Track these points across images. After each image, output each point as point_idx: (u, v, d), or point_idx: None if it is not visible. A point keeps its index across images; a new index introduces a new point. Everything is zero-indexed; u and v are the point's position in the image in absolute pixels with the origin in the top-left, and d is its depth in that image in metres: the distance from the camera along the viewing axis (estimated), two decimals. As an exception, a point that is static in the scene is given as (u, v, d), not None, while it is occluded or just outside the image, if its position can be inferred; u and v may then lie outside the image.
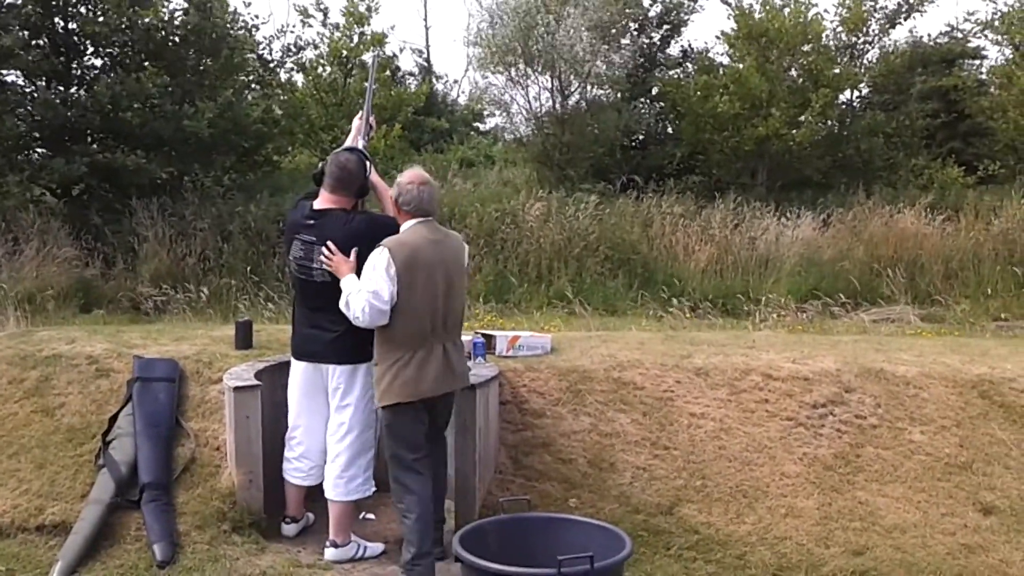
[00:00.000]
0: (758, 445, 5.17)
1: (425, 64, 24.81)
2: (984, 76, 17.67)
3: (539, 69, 15.97)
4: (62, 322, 8.91)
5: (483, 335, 5.93)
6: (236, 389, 4.68)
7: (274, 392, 4.86)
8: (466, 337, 5.76)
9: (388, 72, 17.65)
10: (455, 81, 26.11)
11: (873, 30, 16.50)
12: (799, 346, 6.30)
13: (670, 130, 17.90)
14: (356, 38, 15.33)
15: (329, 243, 4.27)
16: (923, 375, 5.63)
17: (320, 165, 4.59)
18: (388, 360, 4.08)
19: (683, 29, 17.99)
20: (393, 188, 4.26)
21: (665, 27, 17.82)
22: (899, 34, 16.90)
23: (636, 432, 5.28)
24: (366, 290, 4.00)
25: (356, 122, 4.93)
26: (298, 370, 4.62)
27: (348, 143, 4.84)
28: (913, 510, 4.78)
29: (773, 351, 6.05)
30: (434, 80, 23.33)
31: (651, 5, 17.61)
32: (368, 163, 4.58)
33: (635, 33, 17.21)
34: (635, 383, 5.56)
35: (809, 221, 13.13)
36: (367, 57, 6.34)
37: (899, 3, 16.16)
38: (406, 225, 4.18)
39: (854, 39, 16.52)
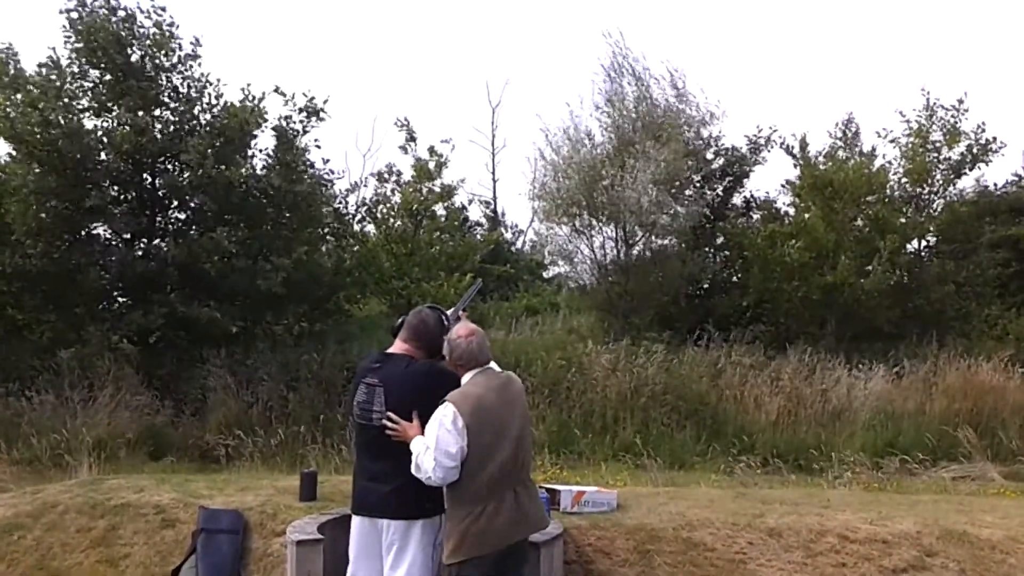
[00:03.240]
0: (837, 614, 4.92)
1: (492, 214, 25.50)
2: (1055, 226, 17.44)
3: (603, 220, 16.24)
4: (132, 469, 9.04)
5: (547, 489, 5.84)
6: (299, 543, 4.64)
7: (337, 545, 4.80)
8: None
9: (457, 223, 18.14)
10: (520, 230, 26.62)
11: (938, 180, 16.50)
12: (876, 506, 6.07)
13: (736, 279, 17.88)
14: (425, 191, 15.84)
15: (390, 413, 4.24)
16: (1009, 538, 5.36)
17: (400, 319, 4.64)
18: (459, 515, 3.95)
19: (746, 181, 18.21)
20: (445, 347, 4.23)
21: (728, 179, 18.08)
22: (965, 183, 16.85)
23: (707, 597, 5.07)
24: (434, 448, 3.90)
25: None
26: (355, 525, 4.56)
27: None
28: None
29: (849, 511, 5.83)
30: (501, 230, 23.90)
31: (714, 158, 17.94)
32: (447, 326, 4.60)
33: (699, 185, 17.48)
34: (705, 544, 5.38)
35: (882, 373, 12.82)
36: (474, 285, 6.29)
37: (963, 154, 16.18)
38: (466, 377, 4.15)
39: (919, 189, 16.53)
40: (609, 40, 16.85)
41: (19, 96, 12.57)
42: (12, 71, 12.77)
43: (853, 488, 8.41)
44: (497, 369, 4.20)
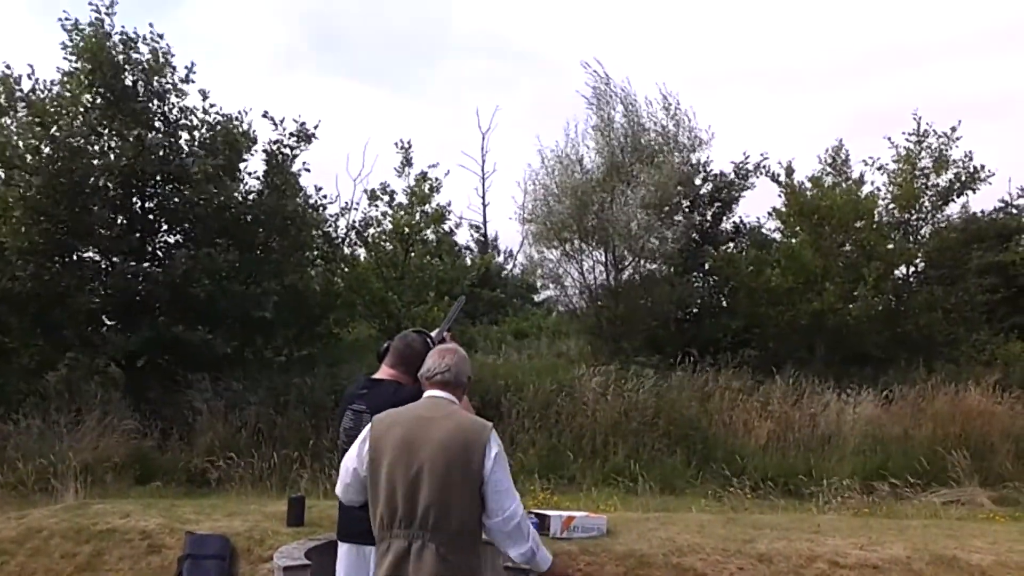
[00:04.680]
0: (828, 640, 4.90)
1: (483, 238, 25.54)
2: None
3: (593, 244, 16.29)
4: (118, 494, 8.96)
5: (536, 515, 5.81)
6: (286, 569, 4.61)
7: (323, 572, 4.77)
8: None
9: (447, 247, 18.16)
10: (510, 254, 26.69)
11: (926, 206, 16.62)
12: (866, 531, 6.07)
13: (724, 303, 17.95)
14: (418, 215, 15.85)
15: None
16: (999, 564, 5.37)
17: (386, 343, 4.62)
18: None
19: (734, 206, 18.32)
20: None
21: (717, 204, 18.18)
22: (953, 209, 16.98)
23: (697, 623, 5.05)
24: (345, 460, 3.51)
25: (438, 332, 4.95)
26: (342, 551, 4.53)
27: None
28: None
29: (839, 536, 5.83)
30: (493, 253, 23.92)
31: (703, 184, 18.04)
32: (433, 348, 4.57)
33: (687, 210, 17.57)
34: (695, 570, 5.37)
35: (871, 398, 12.85)
36: (456, 303, 6.17)
37: (951, 181, 16.31)
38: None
39: (907, 215, 16.64)
40: (588, 71, 16.89)
41: (20, 115, 12.58)
42: (8, 92, 12.78)
43: (843, 513, 8.41)
44: (445, 400, 3.47)
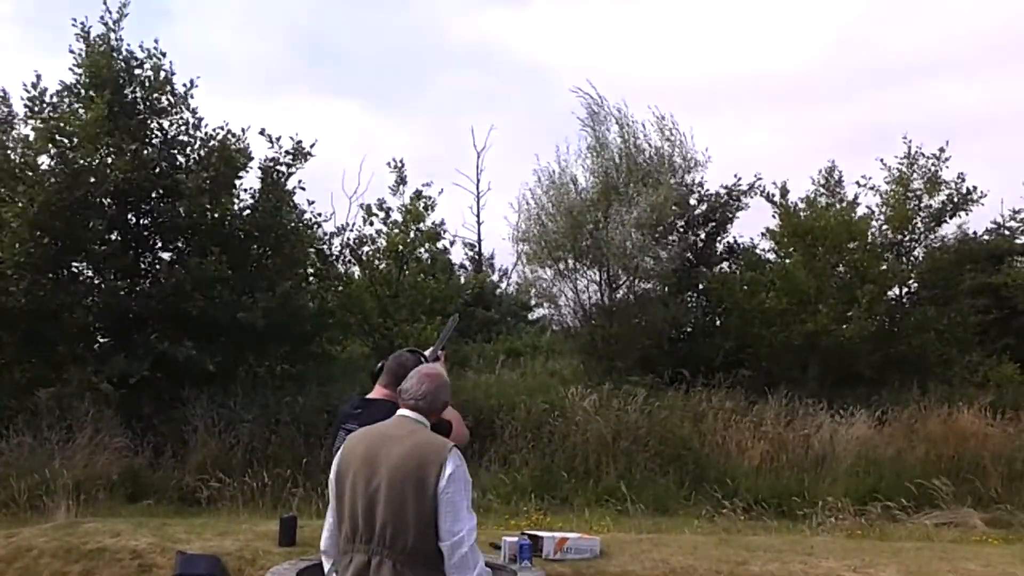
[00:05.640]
0: (820, 664, 4.89)
1: (477, 257, 25.56)
2: (1035, 273, 17.60)
3: (587, 263, 16.31)
4: (110, 512, 8.91)
5: (529, 536, 5.80)
6: (278, 590, 4.59)
7: (316, 594, 4.75)
8: (512, 538, 5.65)
9: (442, 265, 18.16)
10: (505, 273, 26.70)
11: (919, 228, 16.70)
12: (859, 553, 6.08)
13: (718, 323, 17.96)
14: (413, 234, 15.87)
15: None
16: (993, 589, 5.36)
17: (380, 363, 4.63)
18: None
19: (729, 227, 18.35)
20: None
21: (711, 224, 18.22)
22: (946, 230, 17.08)
23: (690, 646, 5.04)
24: None
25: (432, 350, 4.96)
26: None
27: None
28: None
29: (832, 558, 5.84)
30: (486, 270, 23.94)
31: (698, 204, 18.09)
32: None
33: (682, 230, 17.61)
34: (688, 592, 5.35)
35: (864, 419, 12.86)
36: (450, 321, 6.12)
37: (944, 202, 16.41)
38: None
39: (900, 236, 16.71)
40: (581, 94, 16.91)
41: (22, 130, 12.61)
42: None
43: (836, 535, 8.40)
44: (413, 419, 3.46)
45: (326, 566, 3.56)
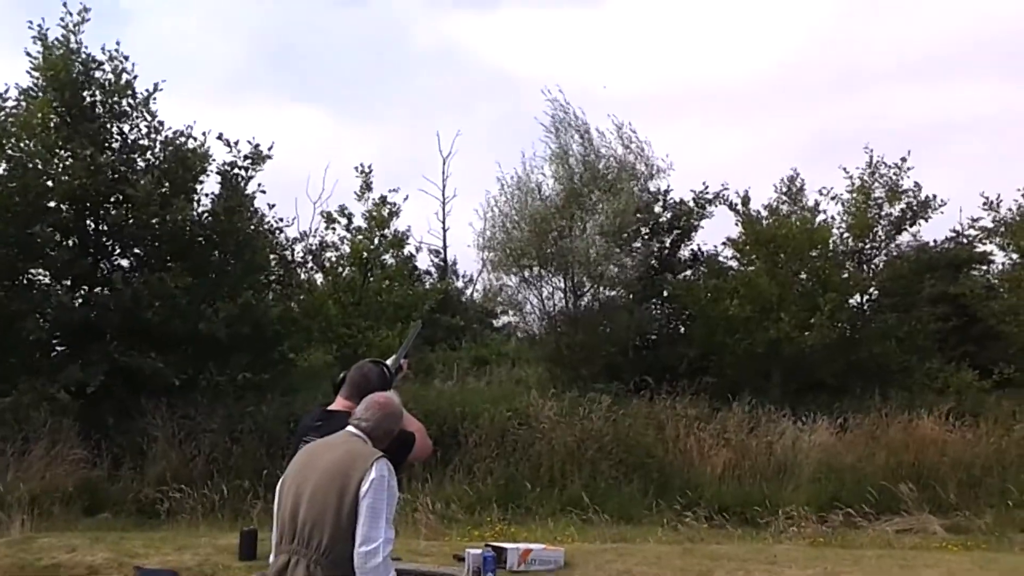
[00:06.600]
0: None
1: (442, 264, 25.46)
2: (993, 280, 17.87)
3: (552, 270, 16.32)
4: (66, 526, 8.74)
5: (493, 548, 5.77)
6: (237, 607, 4.51)
7: (276, 610, 4.67)
8: (476, 550, 5.61)
9: (406, 272, 18.05)
10: (470, 279, 26.64)
11: (879, 236, 16.90)
12: (821, 561, 6.12)
13: (682, 330, 18.03)
14: (377, 239, 15.79)
15: None
16: (953, 597, 5.40)
17: (342, 374, 4.57)
18: None
19: (693, 234, 18.43)
20: None
21: (675, 232, 18.29)
22: (906, 238, 17.31)
23: (654, 658, 5.02)
24: None
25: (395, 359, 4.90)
26: None
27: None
28: None
29: (795, 567, 5.87)
30: (452, 278, 23.85)
31: (662, 212, 18.16)
32: (391, 381, 4.53)
33: (646, 238, 17.67)
34: (652, 603, 5.34)
35: (826, 426, 12.96)
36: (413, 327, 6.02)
37: (903, 211, 16.62)
38: None
39: (861, 244, 16.90)
40: (549, 97, 16.95)
41: None
42: None
43: (798, 543, 8.44)
44: (355, 436, 3.56)
45: None
